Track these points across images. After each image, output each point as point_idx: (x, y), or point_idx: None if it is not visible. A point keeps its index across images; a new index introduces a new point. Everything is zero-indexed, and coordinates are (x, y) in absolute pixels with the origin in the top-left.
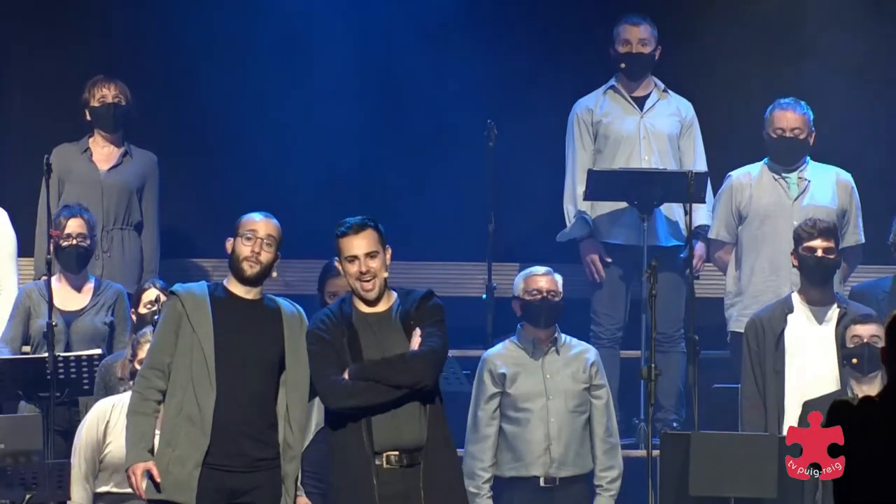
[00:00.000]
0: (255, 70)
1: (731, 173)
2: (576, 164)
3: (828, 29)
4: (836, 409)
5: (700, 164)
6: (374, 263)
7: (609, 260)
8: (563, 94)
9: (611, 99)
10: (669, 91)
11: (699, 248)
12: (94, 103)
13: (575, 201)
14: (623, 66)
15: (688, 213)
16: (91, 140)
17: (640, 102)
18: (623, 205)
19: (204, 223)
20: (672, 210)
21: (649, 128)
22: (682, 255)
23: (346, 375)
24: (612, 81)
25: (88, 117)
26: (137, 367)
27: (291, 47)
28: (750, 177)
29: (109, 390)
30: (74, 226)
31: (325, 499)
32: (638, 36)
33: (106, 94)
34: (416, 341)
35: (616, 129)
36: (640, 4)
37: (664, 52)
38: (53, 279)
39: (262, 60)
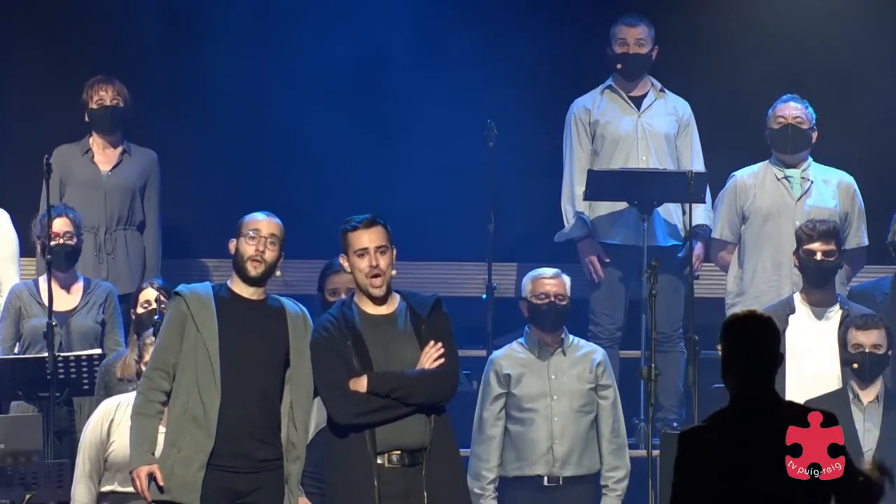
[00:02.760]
0: (255, 69)
1: (735, 173)
2: (574, 164)
3: (827, 28)
4: (683, 441)
5: (697, 163)
6: (384, 259)
7: (608, 260)
8: (563, 94)
9: (608, 99)
10: (666, 90)
11: (698, 247)
12: (93, 105)
13: (573, 201)
14: (619, 66)
15: (686, 213)
16: (91, 140)
17: (638, 102)
18: (621, 205)
19: (204, 223)
20: (670, 210)
21: (647, 128)
22: (679, 255)
23: (361, 384)
24: (610, 81)
25: (87, 119)
26: (144, 368)
27: (290, 45)
28: (754, 177)
29: (109, 391)
30: (60, 225)
31: (324, 499)
32: (635, 36)
33: (104, 96)
34: (432, 355)
35: (613, 129)
36: (641, 4)
37: (663, 52)
38: (41, 279)
39: (263, 59)
